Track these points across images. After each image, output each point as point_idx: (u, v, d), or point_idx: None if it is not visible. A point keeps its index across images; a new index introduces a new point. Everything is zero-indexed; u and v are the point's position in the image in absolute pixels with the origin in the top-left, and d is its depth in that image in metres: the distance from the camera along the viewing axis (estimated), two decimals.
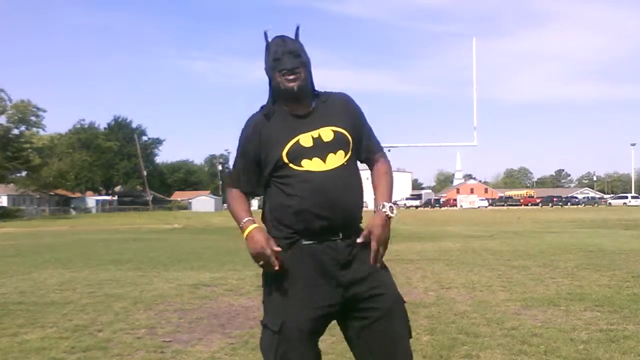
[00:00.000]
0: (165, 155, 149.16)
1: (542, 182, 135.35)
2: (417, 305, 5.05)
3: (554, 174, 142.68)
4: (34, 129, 50.42)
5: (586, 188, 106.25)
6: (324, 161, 1.93)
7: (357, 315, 1.95)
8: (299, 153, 1.93)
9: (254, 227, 1.95)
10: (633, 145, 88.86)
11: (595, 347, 3.64)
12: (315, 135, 1.96)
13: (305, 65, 2.00)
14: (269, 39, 2.03)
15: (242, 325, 4.53)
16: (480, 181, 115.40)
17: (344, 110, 2.06)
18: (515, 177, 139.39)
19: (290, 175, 1.93)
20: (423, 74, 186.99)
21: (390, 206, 2.01)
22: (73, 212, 59.88)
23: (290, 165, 1.93)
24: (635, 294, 5.53)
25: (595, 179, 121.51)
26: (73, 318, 4.86)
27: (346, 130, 2.00)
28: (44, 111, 51.64)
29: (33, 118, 49.82)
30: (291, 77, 1.95)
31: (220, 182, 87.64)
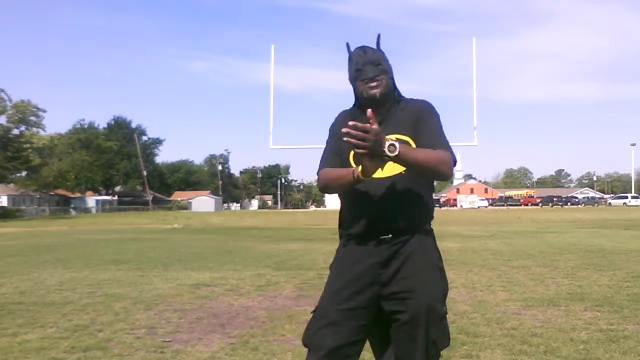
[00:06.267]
0: (165, 155, 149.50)
1: (542, 182, 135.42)
2: None
3: (554, 174, 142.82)
4: (34, 129, 50.48)
5: (586, 188, 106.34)
6: (382, 168, 1.94)
7: (388, 317, 2.00)
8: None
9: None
10: (633, 145, 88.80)
11: (595, 347, 3.64)
12: None
13: (387, 72, 2.05)
14: (351, 50, 2.10)
15: (242, 325, 4.53)
16: (480, 181, 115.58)
17: (414, 118, 2.05)
18: (515, 177, 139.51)
19: None
20: (423, 74, 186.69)
21: (392, 144, 1.75)
22: (73, 212, 59.88)
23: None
24: (635, 294, 5.53)
25: (595, 179, 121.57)
26: (73, 318, 4.85)
27: (410, 138, 2.00)
28: (44, 111, 51.78)
29: (33, 118, 49.89)
30: (373, 84, 2.01)
31: (220, 183, 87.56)
